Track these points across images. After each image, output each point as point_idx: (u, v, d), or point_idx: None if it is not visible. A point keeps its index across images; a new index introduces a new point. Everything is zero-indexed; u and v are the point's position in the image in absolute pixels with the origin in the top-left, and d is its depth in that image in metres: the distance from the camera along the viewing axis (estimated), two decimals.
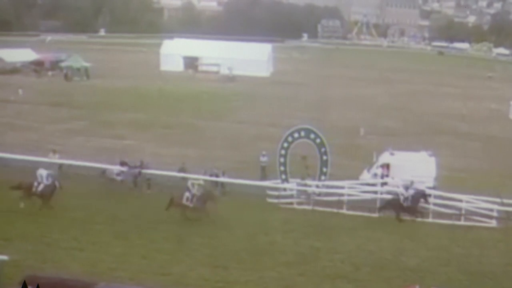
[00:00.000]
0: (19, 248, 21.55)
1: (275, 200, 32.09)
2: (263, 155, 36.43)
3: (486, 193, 30.98)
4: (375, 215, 30.59)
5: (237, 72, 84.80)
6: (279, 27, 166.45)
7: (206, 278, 20.95)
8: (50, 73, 79.60)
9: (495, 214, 30.27)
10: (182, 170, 33.35)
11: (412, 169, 32.91)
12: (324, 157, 32.68)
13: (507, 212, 30.29)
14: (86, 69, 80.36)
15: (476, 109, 64.86)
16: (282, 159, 32.86)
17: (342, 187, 31.80)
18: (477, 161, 43.82)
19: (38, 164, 33.18)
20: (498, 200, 30.36)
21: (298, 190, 32.19)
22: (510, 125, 59.48)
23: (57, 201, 28.50)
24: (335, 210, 30.86)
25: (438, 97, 76.10)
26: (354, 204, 31.27)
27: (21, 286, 13.81)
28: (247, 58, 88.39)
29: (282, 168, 32.87)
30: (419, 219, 29.80)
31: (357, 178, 33.71)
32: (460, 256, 24.77)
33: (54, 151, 34.96)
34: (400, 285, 20.58)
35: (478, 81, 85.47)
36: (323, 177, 32.30)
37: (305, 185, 32.16)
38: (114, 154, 36.92)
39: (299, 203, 31.72)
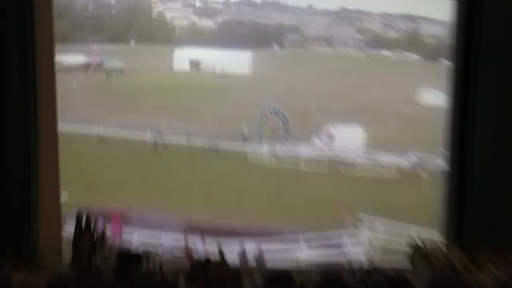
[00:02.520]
0: None
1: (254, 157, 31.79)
2: (244, 127, 36.14)
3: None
4: None
5: (227, 71, 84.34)
6: (257, 40, 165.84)
7: None
8: (90, 71, 78.16)
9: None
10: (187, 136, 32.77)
11: (345, 137, 33.04)
12: (287, 128, 32.54)
13: None
14: (121, 68, 79.43)
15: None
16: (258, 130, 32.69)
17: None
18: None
19: None
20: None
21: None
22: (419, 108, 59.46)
23: None
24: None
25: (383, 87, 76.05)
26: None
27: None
28: (234, 61, 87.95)
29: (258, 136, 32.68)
30: None
31: (310, 143, 33.64)
32: None
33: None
34: None
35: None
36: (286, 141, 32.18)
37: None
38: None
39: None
